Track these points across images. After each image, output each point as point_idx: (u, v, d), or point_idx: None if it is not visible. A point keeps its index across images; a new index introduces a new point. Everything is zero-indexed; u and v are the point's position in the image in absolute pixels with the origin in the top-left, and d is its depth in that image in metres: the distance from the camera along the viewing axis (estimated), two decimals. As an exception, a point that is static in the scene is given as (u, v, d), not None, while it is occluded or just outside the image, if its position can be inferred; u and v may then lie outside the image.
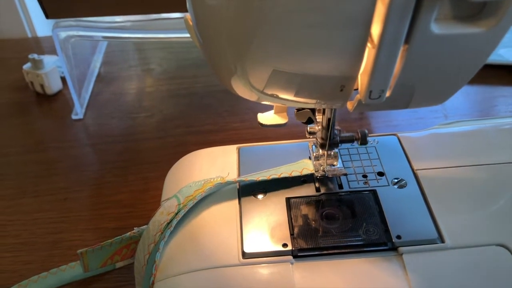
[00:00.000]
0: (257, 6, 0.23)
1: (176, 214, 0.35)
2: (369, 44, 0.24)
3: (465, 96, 0.60)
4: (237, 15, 0.25)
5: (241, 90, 0.30)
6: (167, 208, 0.35)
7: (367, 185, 0.38)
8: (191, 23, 0.29)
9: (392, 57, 0.24)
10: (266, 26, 0.24)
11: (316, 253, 0.34)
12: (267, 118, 0.37)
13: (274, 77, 0.27)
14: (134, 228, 0.40)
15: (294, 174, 0.38)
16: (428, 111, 0.58)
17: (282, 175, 0.38)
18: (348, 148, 0.41)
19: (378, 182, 0.38)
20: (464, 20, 0.22)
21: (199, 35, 0.28)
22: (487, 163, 0.39)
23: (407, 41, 0.23)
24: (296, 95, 0.29)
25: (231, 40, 0.26)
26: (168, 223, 0.35)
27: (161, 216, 0.35)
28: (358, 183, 0.38)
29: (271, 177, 0.37)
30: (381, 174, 0.39)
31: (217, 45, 0.28)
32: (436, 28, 0.22)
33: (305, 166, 0.38)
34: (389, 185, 0.38)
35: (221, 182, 0.37)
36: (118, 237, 0.39)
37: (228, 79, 0.30)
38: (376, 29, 0.23)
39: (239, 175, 0.40)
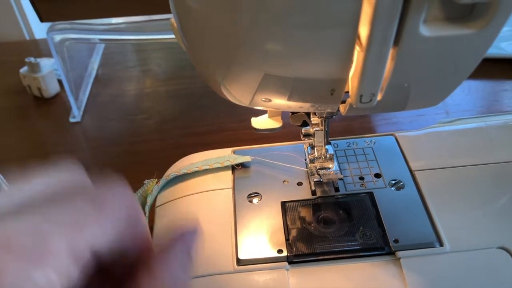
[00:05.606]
0: (243, 11, 0.22)
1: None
2: (358, 47, 0.24)
3: (466, 92, 0.59)
4: (221, 19, 0.24)
5: (230, 94, 0.29)
6: None
7: (364, 187, 0.37)
8: (175, 25, 0.28)
9: (381, 60, 0.23)
10: (254, 30, 0.23)
11: (312, 258, 0.33)
12: (261, 122, 0.36)
13: (264, 82, 0.26)
14: None
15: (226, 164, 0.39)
16: (429, 107, 0.57)
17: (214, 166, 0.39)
18: (344, 150, 0.40)
19: (375, 184, 0.37)
20: (454, 21, 0.22)
21: (184, 38, 0.27)
22: (488, 162, 0.38)
23: (396, 43, 0.22)
24: (287, 99, 0.28)
25: (217, 44, 0.25)
26: None
27: None
28: (355, 185, 0.37)
29: (203, 168, 0.39)
30: (378, 175, 0.38)
31: (203, 49, 0.27)
32: (425, 30, 0.21)
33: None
34: (386, 187, 0.37)
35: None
36: None
37: (217, 83, 0.29)
38: (364, 31, 0.22)
39: (234, 178, 0.39)
